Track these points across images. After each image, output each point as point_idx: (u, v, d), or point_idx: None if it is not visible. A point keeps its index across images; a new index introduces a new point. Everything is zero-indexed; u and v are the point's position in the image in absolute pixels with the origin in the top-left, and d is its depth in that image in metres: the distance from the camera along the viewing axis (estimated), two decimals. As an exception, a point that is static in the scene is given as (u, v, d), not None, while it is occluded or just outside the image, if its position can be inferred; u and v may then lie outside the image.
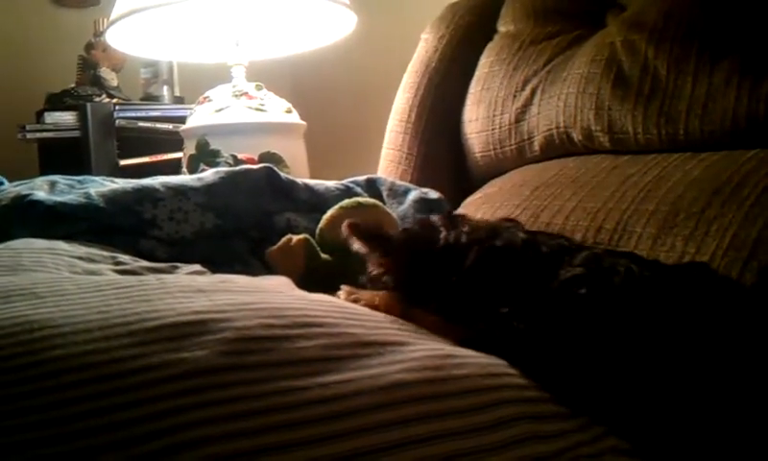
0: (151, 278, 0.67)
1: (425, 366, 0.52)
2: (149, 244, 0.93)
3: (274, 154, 1.45)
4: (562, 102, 1.13)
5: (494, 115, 1.25)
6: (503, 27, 1.33)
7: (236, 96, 1.55)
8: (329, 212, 1.00)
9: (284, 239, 0.95)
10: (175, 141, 1.82)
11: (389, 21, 1.96)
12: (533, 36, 1.26)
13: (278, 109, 1.57)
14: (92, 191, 0.95)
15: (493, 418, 0.49)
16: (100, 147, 2.03)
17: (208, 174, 1.05)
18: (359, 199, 1.05)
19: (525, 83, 1.21)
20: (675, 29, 1.02)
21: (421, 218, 0.81)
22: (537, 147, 1.19)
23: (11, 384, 0.45)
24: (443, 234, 0.73)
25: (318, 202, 1.07)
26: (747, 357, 0.55)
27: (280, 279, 0.79)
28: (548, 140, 1.16)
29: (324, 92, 2.18)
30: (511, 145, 1.23)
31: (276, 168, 1.10)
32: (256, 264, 0.97)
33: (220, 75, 1.66)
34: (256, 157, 1.41)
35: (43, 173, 1.30)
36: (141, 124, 2.07)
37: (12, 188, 0.98)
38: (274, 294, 0.62)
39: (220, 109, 1.55)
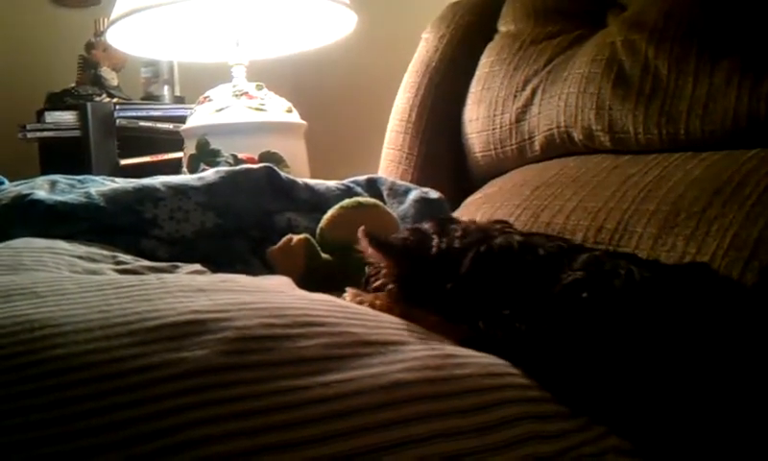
0: (151, 277, 0.67)
1: (426, 365, 0.52)
2: (149, 243, 0.93)
3: (274, 153, 1.45)
4: (562, 102, 1.13)
5: (495, 115, 1.25)
6: (504, 27, 1.33)
7: (237, 96, 1.55)
8: (330, 212, 1.00)
9: (285, 239, 0.95)
10: (175, 141, 1.82)
11: (389, 21, 1.96)
12: (533, 35, 1.26)
13: (279, 109, 1.57)
14: (93, 191, 0.95)
15: (496, 417, 0.49)
16: (100, 146, 2.03)
17: (209, 173, 1.05)
18: (360, 199, 1.05)
19: (526, 82, 1.21)
20: (675, 28, 1.02)
21: (411, 227, 0.80)
22: (537, 147, 1.19)
23: (12, 383, 0.44)
24: (435, 241, 0.72)
25: (318, 201, 1.07)
26: (747, 358, 0.55)
27: (281, 278, 0.79)
28: (549, 140, 1.16)
29: (325, 92, 2.18)
30: (511, 145, 1.23)
31: (276, 168, 1.10)
32: (257, 264, 0.97)
33: (220, 75, 1.66)
34: (257, 157, 1.41)
35: (44, 172, 1.30)
36: (142, 123, 2.07)
37: (13, 188, 0.98)
38: (274, 293, 0.62)
39: (220, 109, 1.55)
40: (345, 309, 0.60)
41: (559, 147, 1.15)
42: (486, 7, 1.39)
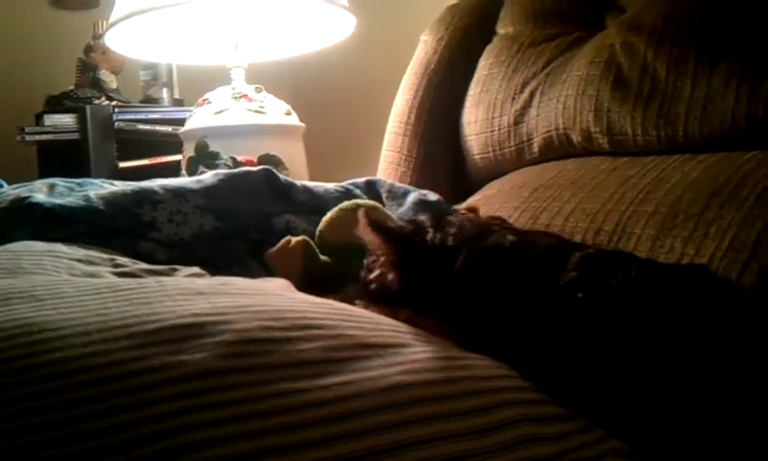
0: (150, 280, 0.67)
1: (426, 368, 0.52)
2: (148, 246, 0.93)
3: (273, 156, 1.45)
4: (561, 104, 1.13)
5: (494, 117, 1.25)
6: (502, 29, 1.34)
7: (235, 98, 1.55)
8: (329, 214, 1.00)
9: (283, 241, 0.95)
10: (174, 143, 1.82)
11: (388, 23, 1.96)
12: (532, 38, 1.26)
13: (278, 112, 1.58)
14: (92, 194, 0.95)
15: (496, 419, 0.49)
16: (99, 149, 2.03)
17: (207, 176, 1.05)
18: (358, 201, 1.05)
19: (524, 85, 1.22)
20: (674, 31, 1.03)
21: (408, 219, 0.80)
22: (536, 149, 1.19)
23: (12, 386, 0.44)
24: (429, 235, 0.72)
25: (317, 204, 1.07)
26: (746, 359, 0.55)
27: (280, 281, 0.79)
28: (547, 142, 1.16)
29: (324, 94, 2.18)
30: (510, 147, 1.23)
31: (275, 170, 1.10)
32: (255, 266, 0.96)
33: (219, 77, 1.66)
34: (255, 160, 1.41)
35: (42, 175, 1.30)
36: (140, 126, 2.07)
37: (12, 191, 0.97)
38: (273, 296, 0.62)
39: (219, 112, 1.55)
40: (343, 312, 0.59)
41: (557, 149, 1.15)
42: (484, 9, 1.39)
